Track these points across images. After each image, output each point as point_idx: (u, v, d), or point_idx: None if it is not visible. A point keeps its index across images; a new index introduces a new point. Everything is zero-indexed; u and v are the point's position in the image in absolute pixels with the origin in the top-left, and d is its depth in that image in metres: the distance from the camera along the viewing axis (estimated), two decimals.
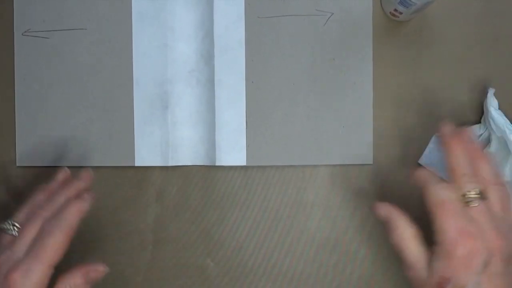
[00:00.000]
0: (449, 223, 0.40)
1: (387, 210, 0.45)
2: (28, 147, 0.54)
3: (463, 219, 0.40)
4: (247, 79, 0.54)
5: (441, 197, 0.41)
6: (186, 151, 0.54)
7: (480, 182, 0.42)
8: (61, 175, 0.49)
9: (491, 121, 0.51)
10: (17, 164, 0.54)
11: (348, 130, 0.54)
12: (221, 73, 0.54)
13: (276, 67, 0.54)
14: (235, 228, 0.54)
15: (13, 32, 0.54)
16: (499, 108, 0.51)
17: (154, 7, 0.53)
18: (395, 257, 0.44)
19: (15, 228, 0.43)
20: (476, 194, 0.41)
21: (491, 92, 0.52)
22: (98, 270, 0.44)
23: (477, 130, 0.53)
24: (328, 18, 0.54)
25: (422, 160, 0.54)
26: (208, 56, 0.54)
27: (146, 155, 0.54)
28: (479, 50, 0.55)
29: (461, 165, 0.42)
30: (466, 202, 0.41)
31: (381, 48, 0.54)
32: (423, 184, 0.43)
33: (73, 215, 0.43)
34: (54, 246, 0.41)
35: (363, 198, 0.54)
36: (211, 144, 0.54)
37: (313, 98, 0.54)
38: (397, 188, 0.54)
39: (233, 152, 0.54)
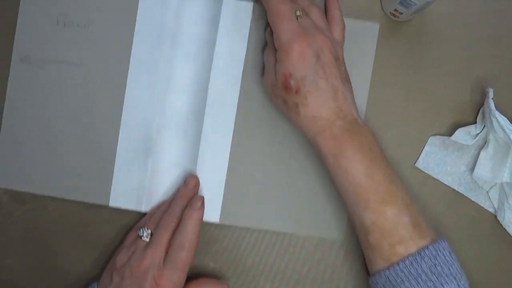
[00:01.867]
0: (285, 28, 0.48)
1: None
2: (7, 169, 0.54)
3: (295, 24, 0.48)
4: (233, 139, 0.55)
5: (278, 7, 0.48)
6: (161, 199, 0.54)
7: (301, 4, 0.51)
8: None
9: (493, 120, 0.50)
10: None
11: (324, 204, 0.54)
12: (209, 130, 0.54)
13: (264, 131, 0.55)
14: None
15: (11, 57, 0.54)
16: (497, 108, 0.51)
17: (153, 56, 0.54)
18: None
19: (148, 236, 0.50)
20: (300, 11, 0.49)
21: (491, 92, 0.51)
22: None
23: (473, 130, 0.53)
24: None
25: (419, 163, 0.54)
26: (198, 111, 0.54)
27: (121, 197, 0.54)
28: (479, 50, 0.55)
29: None
30: (296, 16, 0.49)
31: (381, 48, 0.55)
32: None
33: (195, 225, 0.50)
34: (187, 256, 0.49)
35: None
36: None
37: (296, 166, 0.54)
38: None
39: (207, 208, 0.54)
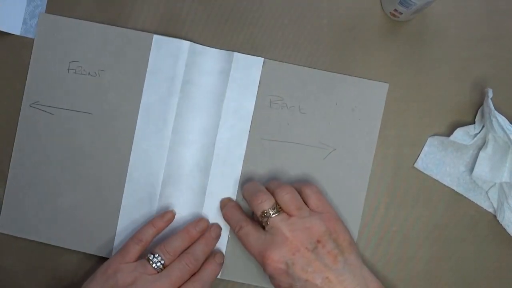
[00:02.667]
0: (252, 242, 0.49)
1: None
2: (13, 216, 0.55)
3: (261, 236, 0.49)
4: (238, 196, 0.54)
5: (262, 210, 0.49)
6: None
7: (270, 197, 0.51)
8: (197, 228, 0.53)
9: (493, 120, 0.50)
10: None
11: None
12: (214, 185, 0.54)
13: None
14: None
15: (21, 102, 0.55)
16: (496, 109, 0.51)
17: (162, 107, 0.54)
18: None
19: (160, 266, 0.50)
20: (270, 210, 0.49)
21: (491, 92, 0.51)
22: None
23: (471, 130, 0.53)
24: (330, 152, 0.54)
25: (418, 164, 0.54)
26: (204, 165, 0.54)
27: None
28: (479, 50, 0.55)
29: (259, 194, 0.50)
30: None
31: (381, 48, 0.55)
32: (247, 198, 0.51)
33: (213, 278, 0.52)
34: None
35: None
36: None
37: None
38: None
39: None
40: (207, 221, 0.54)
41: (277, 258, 0.47)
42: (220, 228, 0.54)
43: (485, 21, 0.55)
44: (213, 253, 0.53)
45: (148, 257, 0.50)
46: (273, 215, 0.49)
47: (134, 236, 0.51)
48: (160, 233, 0.53)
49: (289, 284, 0.48)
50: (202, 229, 0.53)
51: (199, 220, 0.53)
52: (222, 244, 0.54)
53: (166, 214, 0.53)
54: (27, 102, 0.55)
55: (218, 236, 0.54)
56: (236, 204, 0.54)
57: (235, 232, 0.51)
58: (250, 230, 0.50)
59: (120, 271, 0.49)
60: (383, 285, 0.49)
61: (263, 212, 0.49)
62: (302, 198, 0.50)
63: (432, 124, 0.55)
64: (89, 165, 0.54)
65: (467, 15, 0.55)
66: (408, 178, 0.55)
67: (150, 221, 0.52)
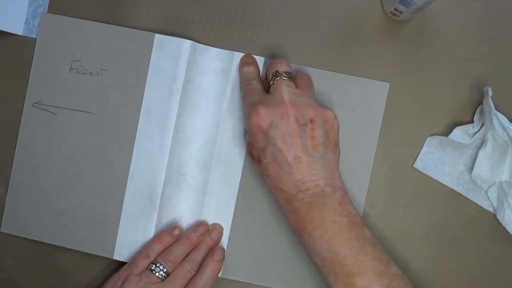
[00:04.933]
0: (249, 97, 0.50)
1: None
2: (15, 216, 0.55)
3: (257, 94, 0.50)
4: (238, 195, 0.55)
5: (276, 69, 0.50)
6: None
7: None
8: (198, 232, 0.53)
9: (493, 118, 0.50)
10: (1, 230, 0.55)
11: None
12: (215, 184, 0.54)
13: None
14: None
15: (24, 101, 0.55)
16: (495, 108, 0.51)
17: (164, 106, 0.54)
18: None
19: (163, 275, 0.51)
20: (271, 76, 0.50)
21: (490, 90, 0.51)
22: None
23: (470, 128, 0.53)
24: None
25: (417, 164, 0.54)
26: (204, 164, 0.54)
27: (126, 250, 0.54)
28: (479, 50, 0.55)
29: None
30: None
31: (381, 48, 0.55)
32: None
33: (214, 276, 0.52)
34: None
35: None
36: None
37: None
38: None
39: None
40: (207, 225, 0.54)
41: (264, 114, 0.47)
42: (221, 229, 0.54)
43: (485, 21, 0.55)
44: (211, 251, 0.53)
45: (151, 267, 0.51)
46: (284, 77, 0.49)
47: (142, 251, 0.52)
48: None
49: (262, 146, 0.47)
50: (203, 233, 0.53)
51: (198, 224, 0.53)
52: (223, 243, 0.54)
53: (174, 230, 0.53)
54: (30, 102, 0.55)
55: (219, 238, 0.54)
56: (256, 65, 0.54)
57: (242, 86, 0.52)
58: (256, 87, 0.51)
59: (127, 282, 0.50)
60: (346, 189, 0.48)
61: (276, 72, 0.49)
62: None
63: (432, 123, 0.55)
64: (91, 165, 0.55)
65: (467, 15, 0.55)
66: (408, 177, 0.55)
67: (157, 237, 0.53)
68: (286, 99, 0.47)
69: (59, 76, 0.55)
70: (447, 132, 0.54)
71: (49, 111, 0.55)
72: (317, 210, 0.46)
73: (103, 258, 0.54)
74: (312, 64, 0.55)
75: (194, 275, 0.51)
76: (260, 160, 0.48)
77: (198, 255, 0.52)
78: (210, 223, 0.54)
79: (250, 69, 0.53)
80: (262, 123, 0.47)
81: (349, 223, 0.46)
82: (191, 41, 0.54)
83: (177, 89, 0.54)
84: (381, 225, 0.54)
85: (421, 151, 0.54)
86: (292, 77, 0.50)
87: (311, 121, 0.47)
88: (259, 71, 0.54)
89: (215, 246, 0.54)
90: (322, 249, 0.45)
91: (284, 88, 0.48)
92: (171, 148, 0.54)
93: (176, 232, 0.53)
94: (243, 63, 0.54)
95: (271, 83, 0.50)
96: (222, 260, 0.53)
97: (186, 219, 0.54)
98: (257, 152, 0.48)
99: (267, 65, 0.52)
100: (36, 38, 0.55)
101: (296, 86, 0.50)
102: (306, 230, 0.46)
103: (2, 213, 0.55)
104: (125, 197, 0.54)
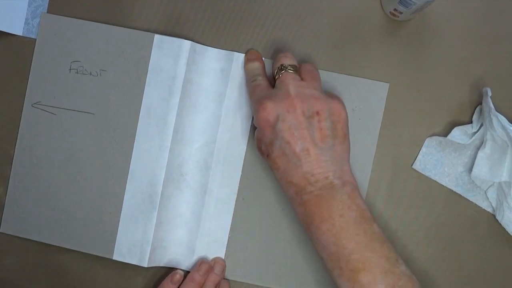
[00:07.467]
0: (255, 92, 0.50)
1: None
2: (14, 216, 0.55)
3: (264, 89, 0.50)
4: (238, 195, 0.55)
5: (281, 62, 0.50)
6: (163, 253, 0.54)
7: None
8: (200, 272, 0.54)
9: (493, 118, 0.50)
10: (1, 230, 0.55)
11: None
12: (214, 184, 0.54)
13: (269, 189, 0.55)
14: None
15: (23, 102, 0.55)
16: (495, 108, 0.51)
17: (163, 107, 0.54)
18: None
19: None
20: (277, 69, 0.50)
21: (489, 91, 0.51)
22: None
23: (469, 129, 0.53)
24: None
25: (416, 165, 0.54)
26: (204, 164, 0.54)
27: (125, 251, 0.54)
28: (479, 50, 0.55)
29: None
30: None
31: (381, 48, 0.55)
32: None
33: None
34: None
35: None
36: (190, 250, 0.54)
37: (299, 227, 0.54)
38: None
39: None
40: (208, 262, 0.54)
41: (271, 108, 0.47)
42: (223, 261, 0.54)
43: (485, 21, 0.55)
44: (216, 286, 0.54)
45: None
46: (289, 70, 0.49)
47: None
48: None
49: (270, 140, 0.48)
50: (205, 271, 0.53)
51: (200, 263, 0.54)
52: (222, 244, 0.55)
53: (174, 276, 0.54)
54: (29, 102, 0.55)
55: (223, 272, 0.54)
56: (260, 60, 0.54)
57: (248, 82, 0.52)
58: (261, 83, 0.51)
59: None
60: (356, 183, 0.48)
61: (281, 65, 0.50)
62: None
63: (431, 124, 0.55)
64: (90, 165, 0.55)
65: (467, 15, 0.55)
66: (407, 178, 0.55)
67: (159, 287, 0.54)
68: (292, 92, 0.48)
69: (59, 76, 0.55)
70: (446, 132, 0.54)
71: (49, 112, 0.55)
72: (326, 203, 0.46)
73: (102, 258, 0.54)
74: None
75: None
76: (269, 155, 0.48)
77: None
78: (209, 222, 0.54)
79: (255, 65, 0.53)
80: (269, 117, 0.47)
81: (357, 217, 0.46)
82: (190, 42, 0.54)
83: (177, 89, 0.54)
84: (380, 225, 0.54)
85: (420, 152, 0.54)
86: (297, 69, 0.50)
87: (317, 113, 0.47)
88: (264, 66, 0.54)
89: (220, 280, 0.54)
90: (329, 242, 0.45)
91: (289, 81, 0.48)
92: (171, 148, 0.54)
93: (177, 277, 0.53)
94: (247, 59, 0.54)
95: (276, 77, 0.50)
96: None
97: (186, 219, 0.54)
98: (265, 147, 0.48)
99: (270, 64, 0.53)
100: (35, 38, 0.56)
101: (302, 79, 0.50)
102: (314, 223, 0.46)
103: (2, 213, 0.55)
104: (124, 197, 0.54)
